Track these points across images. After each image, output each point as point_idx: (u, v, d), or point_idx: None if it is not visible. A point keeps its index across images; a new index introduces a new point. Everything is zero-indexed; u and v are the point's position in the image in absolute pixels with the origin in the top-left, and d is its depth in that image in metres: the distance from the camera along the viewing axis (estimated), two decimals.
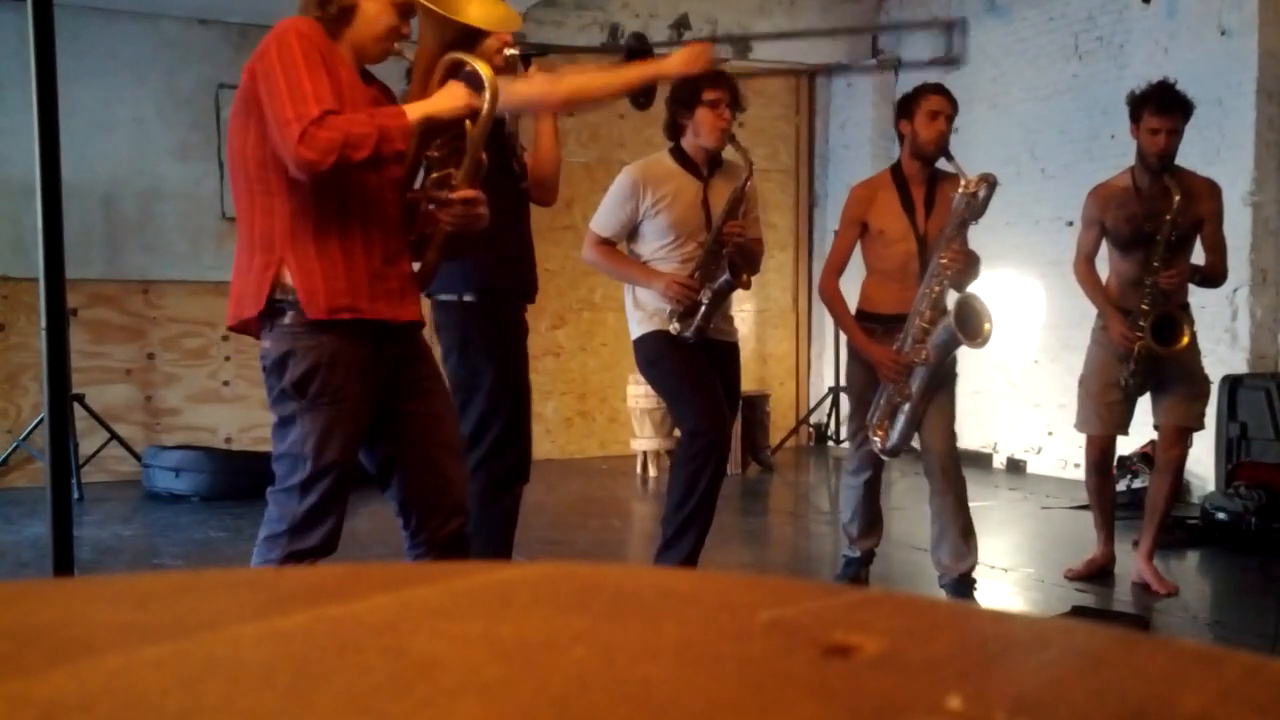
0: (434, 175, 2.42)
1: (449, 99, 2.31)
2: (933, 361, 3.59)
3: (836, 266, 3.82)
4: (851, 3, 8.20)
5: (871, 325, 3.75)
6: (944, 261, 3.59)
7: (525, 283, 3.41)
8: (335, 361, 2.32)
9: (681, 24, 7.67)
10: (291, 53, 2.20)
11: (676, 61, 3.09)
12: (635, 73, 3.06)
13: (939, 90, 3.72)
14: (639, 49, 3.24)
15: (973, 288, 3.69)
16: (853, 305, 3.83)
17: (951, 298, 3.61)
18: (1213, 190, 4.00)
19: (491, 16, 2.45)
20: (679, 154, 3.65)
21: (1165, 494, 4.08)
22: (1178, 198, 3.79)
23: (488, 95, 2.32)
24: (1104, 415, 4.11)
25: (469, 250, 2.64)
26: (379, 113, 2.25)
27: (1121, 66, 6.34)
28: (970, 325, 3.51)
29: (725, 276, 3.54)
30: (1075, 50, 6.74)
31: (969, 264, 3.63)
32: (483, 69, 2.33)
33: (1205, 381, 4.11)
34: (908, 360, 3.62)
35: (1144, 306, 3.87)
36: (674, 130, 3.66)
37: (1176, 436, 4.04)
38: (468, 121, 2.36)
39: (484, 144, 2.40)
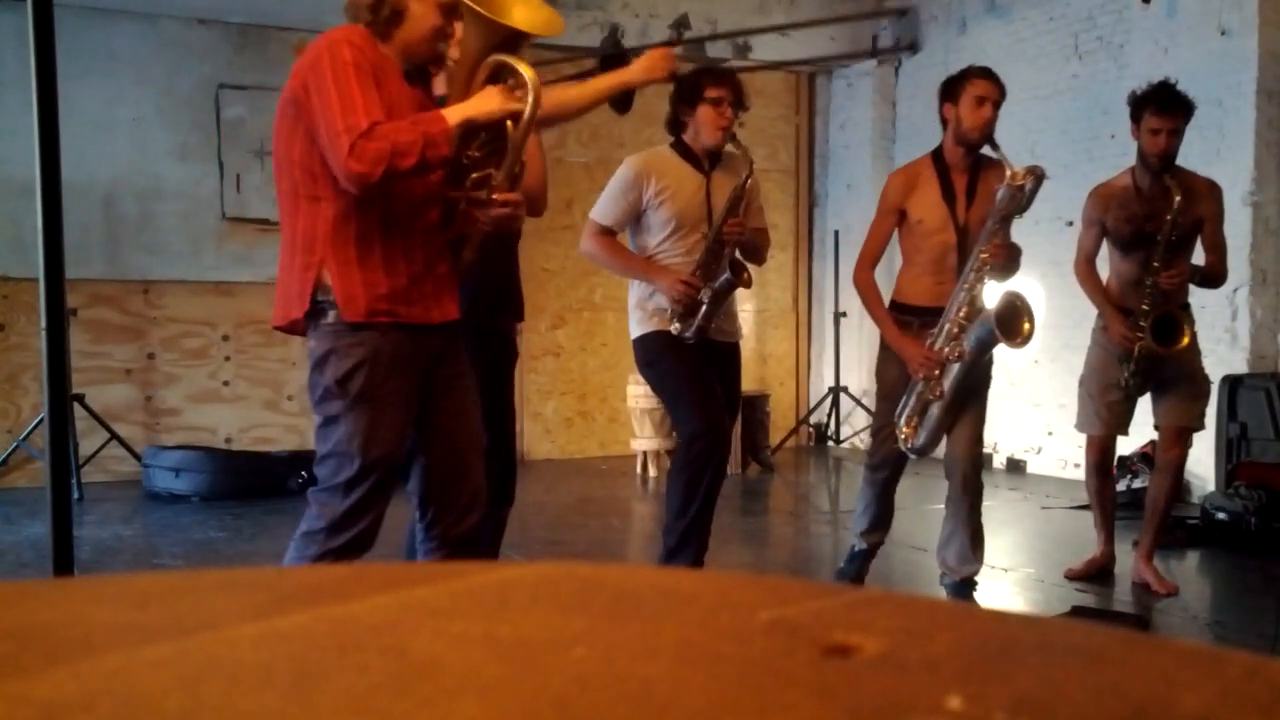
0: (474, 176, 2.44)
1: (485, 103, 2.34)
2: (968, 359, 3.48)
3: (872, 256, 3.68)
4: (852, 2, 8.20)
5: (906, 318, 3.62)
6: (984, 256, 3.47)
7: (510, 301, 3.38)
8: (378, 359, 2.35)
9: (681, 24, 7.66)
10: (344, 63, 2.24)
11: (639, 69, 3.11)
12: (604, 83, 3.11)
13: (986, 74, 3.58)
14: (614, 53, 3.24)
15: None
16: (886, 296, 3.70)
17: (989, 293, 3.52)
18: (1213, 191, 3.99)
19: (536, 20, 2.47)
20: (680, 148, 3.62)
21: (1165, 494, 4.07)
22: (1178, 198, 3.78)
23: (530, 98, 2.34)
24: (1104, 416, 4.10)
25: (505, 246, 2.68)
26: (421, 119, 2.28)
27: (1121, 66, 6.35)
28: (1011, 324, 3.40)
29: (726, 275, 3.51)
30: (1075, 50, 6.74)
31: (1011, 257, 3.52)
32: (526, 71, 2.36)
33: (1205, 381, 4.10)
34: (941, 357, 3.51)
35: (1144, 306, 3.87)
36: (675, 125, 3.62)
37: (1176, 437, 4.03)
38: (509, 123, 2.38)
39: (525, 147, 2.43)
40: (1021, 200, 3.47)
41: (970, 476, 3.64)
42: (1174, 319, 3.87)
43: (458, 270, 2.56)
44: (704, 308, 3.52)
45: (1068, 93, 6.78)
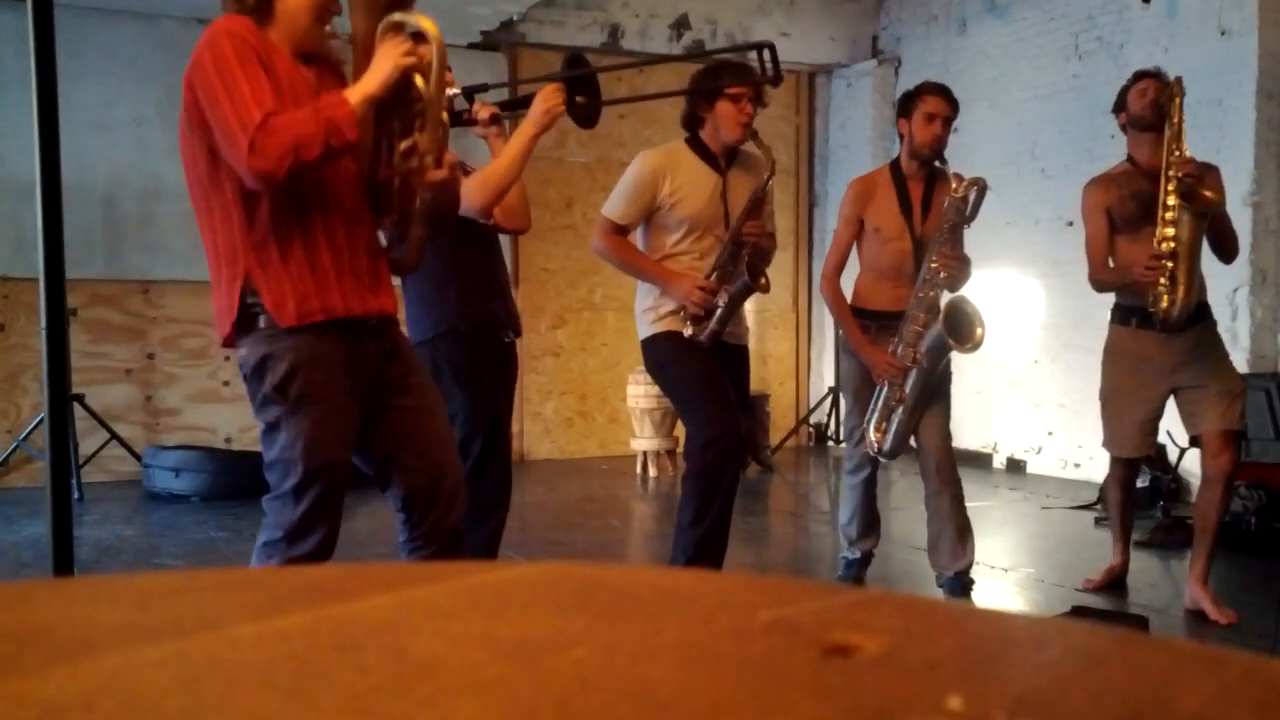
0: (401, 147, 2.33)
1: (381, 67, 2.24)
2: (925, 366, 3.59)
3: (836, 264, 3.80)
4: (852, 2, 8.20)
5: (865, 322, 3.74)
6: (934, 266, 3.58)
7: (499, 314, 3.36)
8: (315, 360, 2.29)
9: (681, 24, 7.67)
10: (224, 56, 2.16)
11: (538, 112, 3.03)
12: (520, 139, 3.06)
13: (938, 91, 3.67)
14: (574, 75, 3.22)
15: (970, 287, 3.68)
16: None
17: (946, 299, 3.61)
18: (1209, 165, 3.75)
19: None
20: (696, 145, 3.51)
21: (1216, 508, 3.71)
22: (1178, 97, 3.56)
23: (434, 50, 2.24)
24: (1134, 437, 3.86)
25: (451, 215, 2.63)
26: (323, 105, 2.19)
27: (1121, 66, 6.33)
28: (961, 330, 3.50)
29: (744, 279, 3.41)
30: (1075, 50, 6.74)
31: (960, 267, 3.62)
32: (425, 23, 2.25)
33: (1238, 378, 3.87)
34: (901, 363, 3.61)
35: (1170, 200, 3.53)
36: (692, 122, 3.52)
37: (1224, 441, 3.67)
38: (419, 80, 2.26)
39: (442, 103, 2.32)
40: (966, 211, 3.59)
41: (945, 468, 3.68)
42: (1196, 190, 3.52)
43: (413, 247, 2.46)
44: (719, 311, 3.43)
45: (1068, 93, 6.78)
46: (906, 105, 3.71)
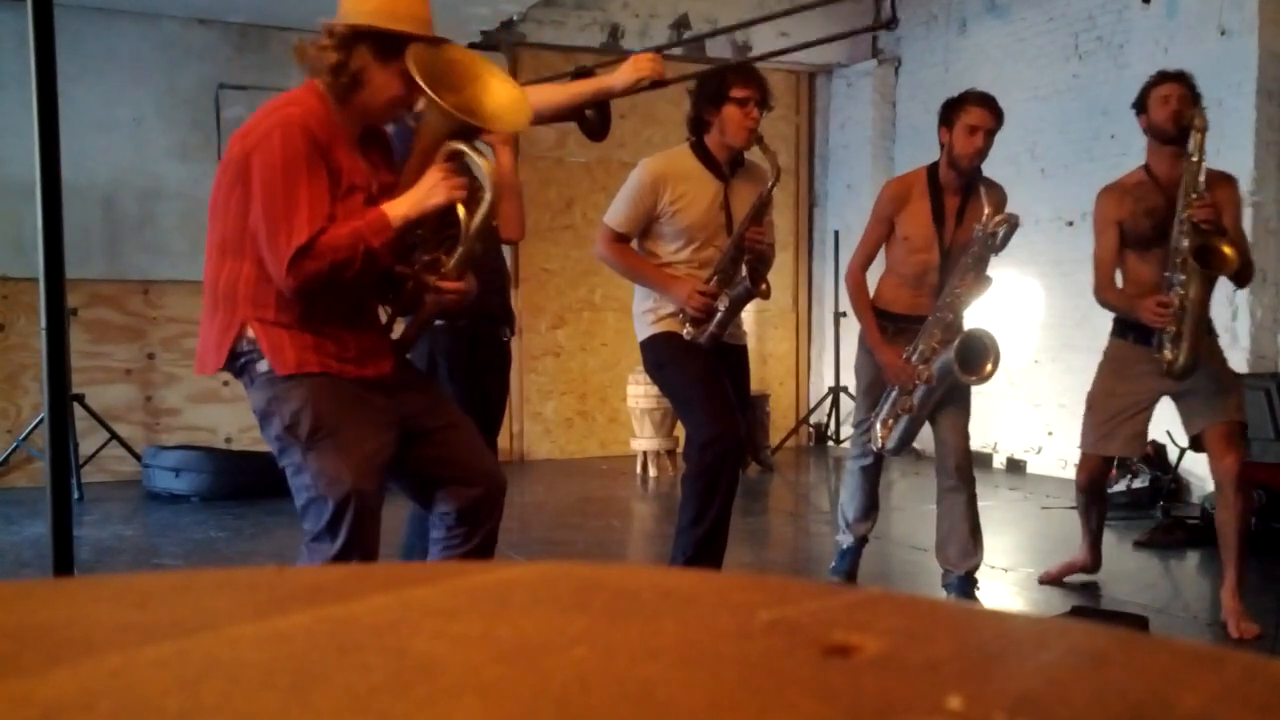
0: (425, 258, 2.39)
1: (430, 197, 2.30)
2: (934, 384, 3.62)
3: (864, 260, 3.77)
4: (852, 2, 8.20)
5: (882, 322, 3.72)
6: (959, 291, 3.58)
7: (498, 311, 3.36)
8: (319, 395, 2.31)
9: (681, 24, 7.67)
10: (295, 156, 2.20)
11: (624, 74, 2.98)
12: (585, 86, 3.03)
13: (983, 103, 3.57)
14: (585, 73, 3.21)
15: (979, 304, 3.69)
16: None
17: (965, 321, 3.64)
18: (1227, 177, 3.70)
19: (499, 112, 2.40)
20: (700, 150, 3.49)
21: (1235, 515, 3.55)
22: (1199, 119, 3.45)
23: (489, 193, 2.30)
24: (1118, 434, 3.79)
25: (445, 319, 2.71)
26: (366, 229, 2.24)
27: (1121, 66, 6.34)
28: (972, 362, 3.52)
29: (745, 284, 3.41)
30: (1075, 50, 6.74)
31: (981, 290, 3.64)
32: (484, 165, 2.31)
33: (1235, 377, 3.83)
34: (914, 372, 3.62)
35: (1184, 243, 3.44)
36: (697, 125, 3.49)
37: (1226, 441, 3.56)
38: (461, 210, 2.33)
39: (477, 239, 2.38)
40: (994, 245, 3.56)
41: (964, 467, 3.68)
42: (1213, 246, 3.43)
43: (402, 342, 2.54)
44: (719, 315, 3.44)
45: (1068, 93, 6.78)
46: (948, 114, 3.61)
